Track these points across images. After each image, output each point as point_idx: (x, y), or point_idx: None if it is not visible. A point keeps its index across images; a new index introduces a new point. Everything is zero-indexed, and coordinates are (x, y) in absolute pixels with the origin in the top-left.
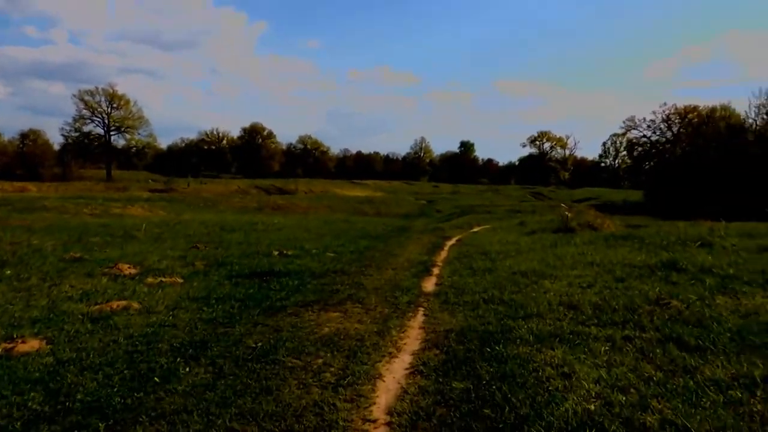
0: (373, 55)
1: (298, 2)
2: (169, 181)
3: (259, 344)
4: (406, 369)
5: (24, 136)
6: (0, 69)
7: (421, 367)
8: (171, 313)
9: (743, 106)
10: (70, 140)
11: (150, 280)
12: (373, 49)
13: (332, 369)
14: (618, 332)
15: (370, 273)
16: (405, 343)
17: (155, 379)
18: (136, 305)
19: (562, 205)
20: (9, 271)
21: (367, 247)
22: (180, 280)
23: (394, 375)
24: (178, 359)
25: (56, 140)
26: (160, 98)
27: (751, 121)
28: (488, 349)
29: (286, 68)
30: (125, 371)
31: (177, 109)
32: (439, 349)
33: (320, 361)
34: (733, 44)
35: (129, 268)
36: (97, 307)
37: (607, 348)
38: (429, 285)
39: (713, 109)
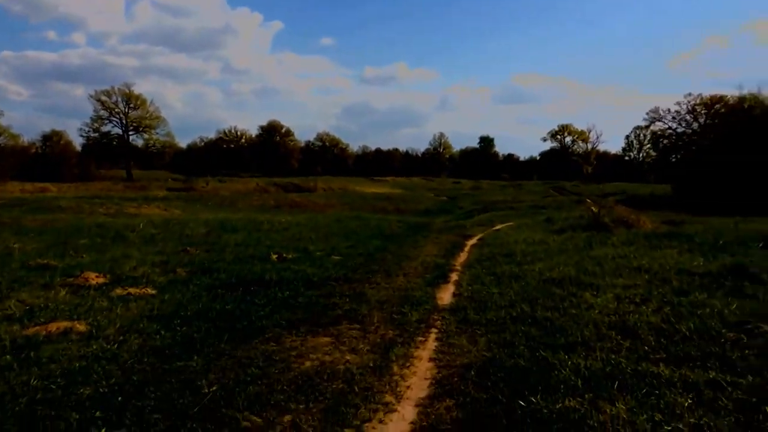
0: (390, 53)
1: (311, 1)
2: (188, 180)
3: (214, 388)
4: None
5: (46, 137)
6: (22, 72)
7: None
8: (120, 338)
9: None
10: (90, 141)
11: (117, 291)
12: (389, 46)
13: None
14: (700, 375)
15: (377, 281)
16: (408, 386)
17: None
18: (81, 327)
19: (588, 200)
20: None
21: (379, 249)
22: (152, 292)
23: None
24: (96, 413)
25: (79, 142)
26: (179, 98)
27: None
28: (522, 403)
29: (302, 66)
30: None
31: (196, 108)
32: (454, 399)
33: (287, 419)
34: (756, 33)
35: (97, 277)
36: (35, 329)
37: (689, 402)
38: (445, 296)
39: (742, 98)
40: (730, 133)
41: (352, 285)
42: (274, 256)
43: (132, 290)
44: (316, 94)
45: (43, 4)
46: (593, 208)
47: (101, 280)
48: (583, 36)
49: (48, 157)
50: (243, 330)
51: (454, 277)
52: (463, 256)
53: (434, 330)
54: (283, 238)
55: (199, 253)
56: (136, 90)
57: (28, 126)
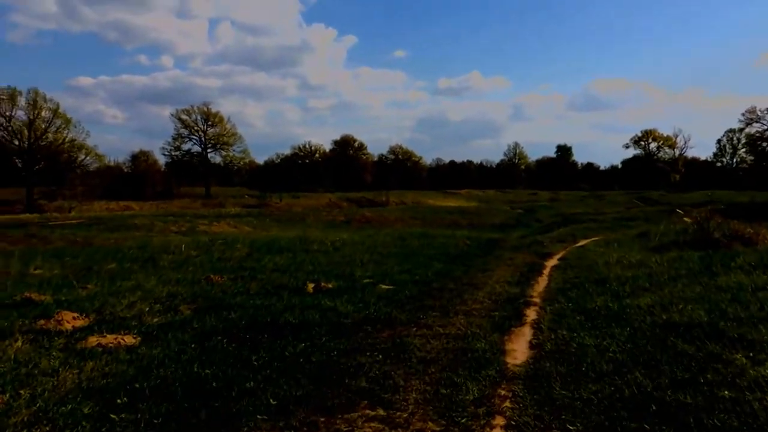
0: (464, 62)
1: (383, 14)
2: (262, 196)
3: None
4: None
5: (135, 157)
6: (117, 96)
7: None
8: None
9: None
10: (172, 159)
11: (91, 340)
12: (463, 55)
13: None
14: None
15: (429, 322)
16: None
17: None
18: None
19: (678, 210)
20: None
21: (440, 274)
22: (130, 342)
23: None
24: None
25: (163, 161)
26: (260, 116)
27: None
28: None
29: (376, 80)
30: None
31: (276, 126)
32: None
33: None
34: None
35: (76, 318)
36: None
37: None
38: (519, 349)
39: None
40: None
41: (394, 330)
42: (311, 286)
43: (107, 339)
44: (389, 107)
45: (136, 30)
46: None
47: (80, 322)
48: (661, 40)
49: (133, 177)
50: (208, 420)
51: (530, 315)
52: (542, 283)
53: (500, 420)
54: (330, 261)
55: (223, 281)
56: (221, 109)
57: (124, 148)
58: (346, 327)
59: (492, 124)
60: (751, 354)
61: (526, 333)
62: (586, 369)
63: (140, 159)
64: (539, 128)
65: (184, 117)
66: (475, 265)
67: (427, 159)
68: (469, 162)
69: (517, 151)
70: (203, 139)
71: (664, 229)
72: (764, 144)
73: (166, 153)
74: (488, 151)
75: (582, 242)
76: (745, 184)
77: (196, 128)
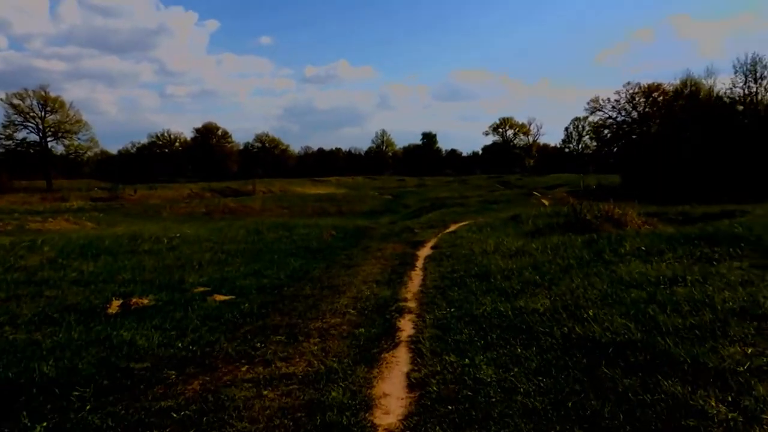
0: (331, 50)
1: None
2: (114, 188)
3: None
4: None
5: None
6: None
7: None
8: None
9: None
10: (5, 149)
11: None
12: (329, 43)
13: None
14: None
15: (269, 356)
16: None
17: None
18: None
19: (535, 192)
20: None
21: (296, 274)
22: None
23: None
24: None
25: None
26: (114, 102)
27: (738, 90)
28: None
29: (241, 67)
30: None
31: (131, 113)
32: None
33: None
34: (677, 27)
35: None
36: None
37: None
38: (394, 392)
39: (684, 83)
40: (676, 119)
41: (212, 374)
42: (116, 304)
43: None
44: (255, 96)
45: None
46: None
47: None
48: (515, 32)
49: None
50: None
51: (406, 329)
52: (416, 279)
53: None
54: (159, 264)
55: None
56: (66, 95)
57: None
58: (135, 377)
59: (359, 113)
60: (730, 397)
61: (401, 360)
62: (491, 426)
63: None
64: (406, 117)
65: (16, 102)
66: (340, 260)
67: (296, 147)
68: (338, 149)
69: (385, 138)
70: (41, 126)
71: (535, 212)
72: (605, 131)
73: None
74: (356, 139)
75: (452, 227)
76: (590, 168)
77: (31, 114)
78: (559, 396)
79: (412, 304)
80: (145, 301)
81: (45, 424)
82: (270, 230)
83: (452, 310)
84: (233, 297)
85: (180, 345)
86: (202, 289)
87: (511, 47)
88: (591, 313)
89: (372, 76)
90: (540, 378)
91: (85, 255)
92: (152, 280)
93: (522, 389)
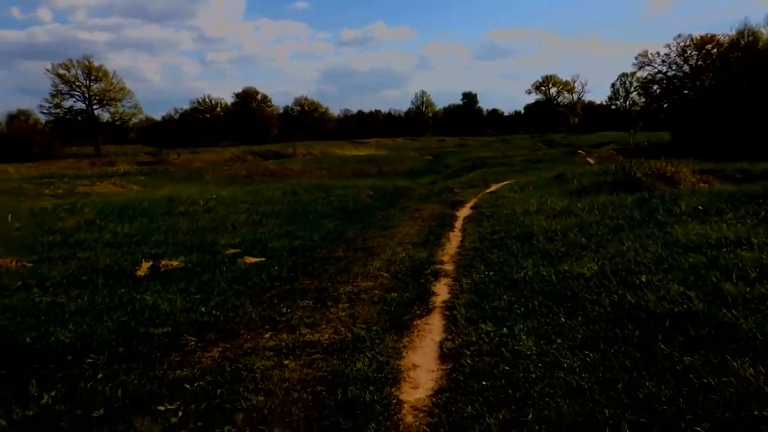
0: (367, 13)
1: None
2: (159, 152)
3: None
4: None
5: (12, 117)
6: None
7: None
8: None
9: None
10: (55, 117)
11: None
12: (366, 5)
13: None
14: None
15: (294, 321)
16: None
17: None
18: None
19: (580, 151)
20: None
21: (330, 236)
22: None
23: None
24: None
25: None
26: (156, 71)
27: None
28: None
29: (278, 31)
30: None
31: (174, 81)
32: None
33: None
34: None
35: None
36: None
37: None
38: (424, 364)
39: (741, 33)
40: (731, 71)
41: (233, 342)
42: (145, 266)
43: None
44: (294, 60)
45: None
46: (590, 159)
47: None
48: None
49: (9, 138)
50: None
51: (441, 293)
52: (454, 241)
53: None
54: (193, 226)
55: (17, 266)
56: (111, 65)
57: (3, 108)
58: (153, 344)
59: (399, 74)
60: None
61: (434, 328)
62: (535, 417)
63: (20, 119)
64: (445, 77)
65: (62, 72)
66: (376, 221)
67: (335, 110)
68: (377, 111)
69: (425, 99)
70: (87, 95)
71: (581, 170)
72: (655, 87)
73: (46, 111)
74: (396, 101)
75: (494, 187)
76: (638, 125)
77: (77, 83)
78: (608, 374)
79: (448, 267)
80: (175, 263)
81: (54, 393)
82: (307, 192)
83: (491, 273)
84: (264, 259)
85: (203, 309)
86: (233, 250)
87: (551, 2)
88: (644, 279)
89: (410, 37)
90: (586, 352)
91: (122, 217)
92: (185, 241)
93: (565, 365)
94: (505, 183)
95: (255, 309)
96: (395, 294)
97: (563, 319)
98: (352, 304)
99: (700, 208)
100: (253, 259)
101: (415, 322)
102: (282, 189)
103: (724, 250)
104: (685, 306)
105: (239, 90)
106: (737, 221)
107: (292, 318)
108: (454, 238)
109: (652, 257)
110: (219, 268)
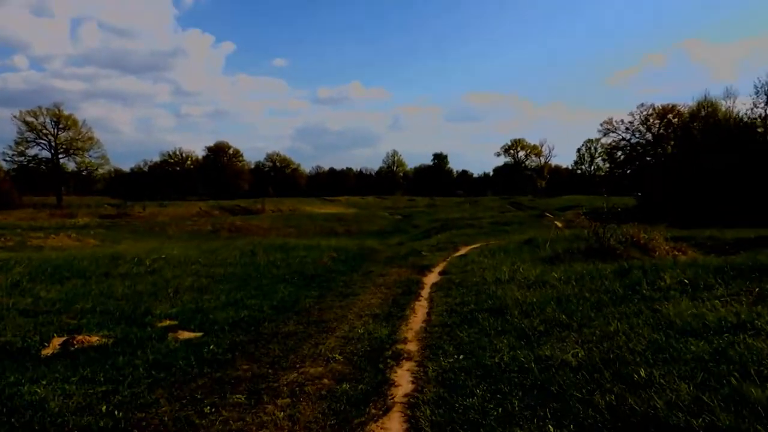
0: (344, 72)
1: (262, 21)
2: (123, 205)
3: None
4: None
5: None
6: None
7: None
8: None
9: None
10: (15, 165)
11: None
12: (343, 65)
13: None
14: None
15: (216, 426)
16: None
17: None
18: None
19: (548, 214)
20: None
21: (283, 304)
22: None
23: None
24: None
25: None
26: (129, 122)
27: (759, 110)
28: None
29: (256, 87)
30: None
31: (147, 133)
32: None
33: None
34: (689, 52)
35: None
36: None
37: None
38: None
39: (701, 104)
40: (693, 140)
41: None
42: (56, 342)
43: None
44: (269, 116)
45: None
46: (558, 223)
47: None
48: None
49: None
50: None
51: (402, 385)
52: (420, 312)
53: None
54: (128, 291)
55: None
56: (85, 114)
57: None
58: None
59: (372, 133)
60: None
61: None
62: None
63: None
64: (417, 138)
65: (30, 119)
66: (336, 287)
67: (307, 167)
68: (349, 169)
69: (396, 158)
70: (53, 143)
71: (552, 235)
72: (619, 153)
73: (8, 159)
74: (368, 160)
75: (463, 250)
76: (602, 190)
77: (44, 131)
78: None
79: (412, 347)
80: (94, 339)
81: None
82: (267, 251)
83: (461, 357)
84: (201, 334)
85: (104, 409)
86: (168, 322)
87: (522, 69)
88: (643, 374)
89: (384, 97)
90: None
91: (54, 278)
92: (115, 310)
93: None
94: (474, 246)
95: (171, 407)
96: (347, 385)
97: (551, 428)
98: (294, 399)
99: (686, 282)
100: (187, 335)
101: (368, 428)
102: (240, 249)
103: (727, 335)
104: (706, 419)
105: (211, 144)
106: (731, 299)
107: (215, 422)
108: (420, 309)
109: (647, 343)
110: (143, 346)
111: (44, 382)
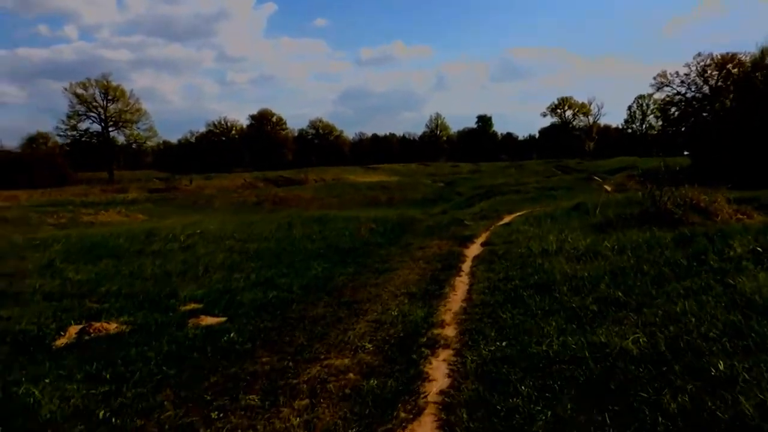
0: (386, 31)
1: None
2: (171, 179)
3: None
4: None
5: (31, 139)
6: (15, 72)
7: None
8: None
9: None
10: (71, 140)
11: None
12: (384, 24)
13: None
14: None
15: None
16: None
17: None
18: None
19: (596, 177)
20: None
21: (315, 283)
22: None
23: None
24: None
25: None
26: (176, 91)
27: None
28: None
29: (297, 50)
30: None
31: (194, 101)
32: None
33: None
34: None
35: None
36: None
37: None
38: None
39: (764, 51)
40: (755, 92)
41: None
42: (73, 330)
43: None
44: (312, 80)
45: None
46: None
47: None
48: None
49: (25, 162)
50: None
51: (436, 380)
52: (460, 290)
53: None
54: (158, 269)
55: None
56: (133, 84)
57: (25, 130)
58: None
59: (415, 95)
60: None
61: None
62: None
63: (38, 141)
64: (462, 98)
65: (80, 91)
66: (372, 262)
67: (350, 133)
68: (392, 135)
69: (439, 122)
70: (103, 116)
71: (603, 199)
72: (673, 109)
73: (62, 133)
74: (411, 124)
75: (507, 218)
76: (654, 150)
77: (94, 104)
78: None
79: (450, 332)
80: (112, 327)
81: None
82: (304, 224)
83: (503, 344)
84: (224, 319)
85: (102, 414)
86: (192, 306)
87: (571, 20)
88: (722, 367)
89: (428, 55)
90: None
91: (87, 257)
92: (140, 292)
93: None
94: (519, 213)
95: (175, 412)
96: (374, 381)
97: None
98: (313, 400)
99: (759, 250)
100: (209, 320)
101: None
102: (278, 222)
103: None
104: None
105: (255, 112)
106: None
107: (221, 430)
108: (461, 286)
109: (722, 327)
110: (160, 335)
111: (47, 381)
